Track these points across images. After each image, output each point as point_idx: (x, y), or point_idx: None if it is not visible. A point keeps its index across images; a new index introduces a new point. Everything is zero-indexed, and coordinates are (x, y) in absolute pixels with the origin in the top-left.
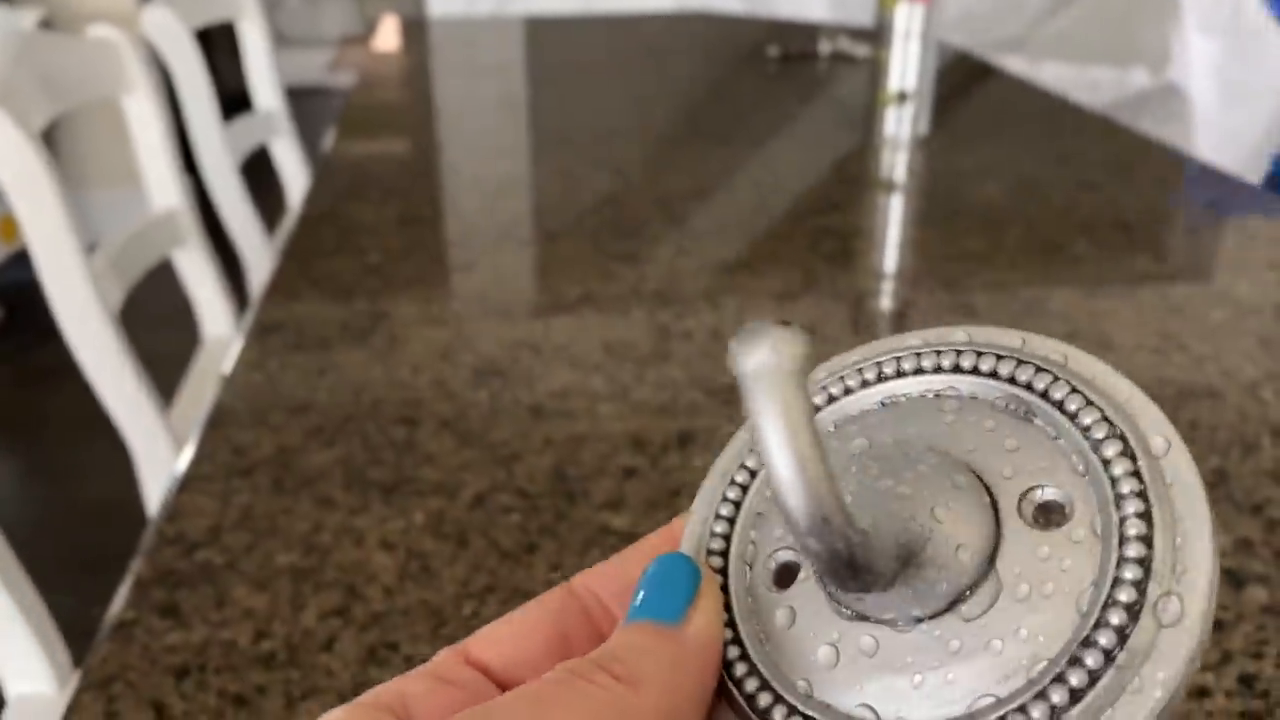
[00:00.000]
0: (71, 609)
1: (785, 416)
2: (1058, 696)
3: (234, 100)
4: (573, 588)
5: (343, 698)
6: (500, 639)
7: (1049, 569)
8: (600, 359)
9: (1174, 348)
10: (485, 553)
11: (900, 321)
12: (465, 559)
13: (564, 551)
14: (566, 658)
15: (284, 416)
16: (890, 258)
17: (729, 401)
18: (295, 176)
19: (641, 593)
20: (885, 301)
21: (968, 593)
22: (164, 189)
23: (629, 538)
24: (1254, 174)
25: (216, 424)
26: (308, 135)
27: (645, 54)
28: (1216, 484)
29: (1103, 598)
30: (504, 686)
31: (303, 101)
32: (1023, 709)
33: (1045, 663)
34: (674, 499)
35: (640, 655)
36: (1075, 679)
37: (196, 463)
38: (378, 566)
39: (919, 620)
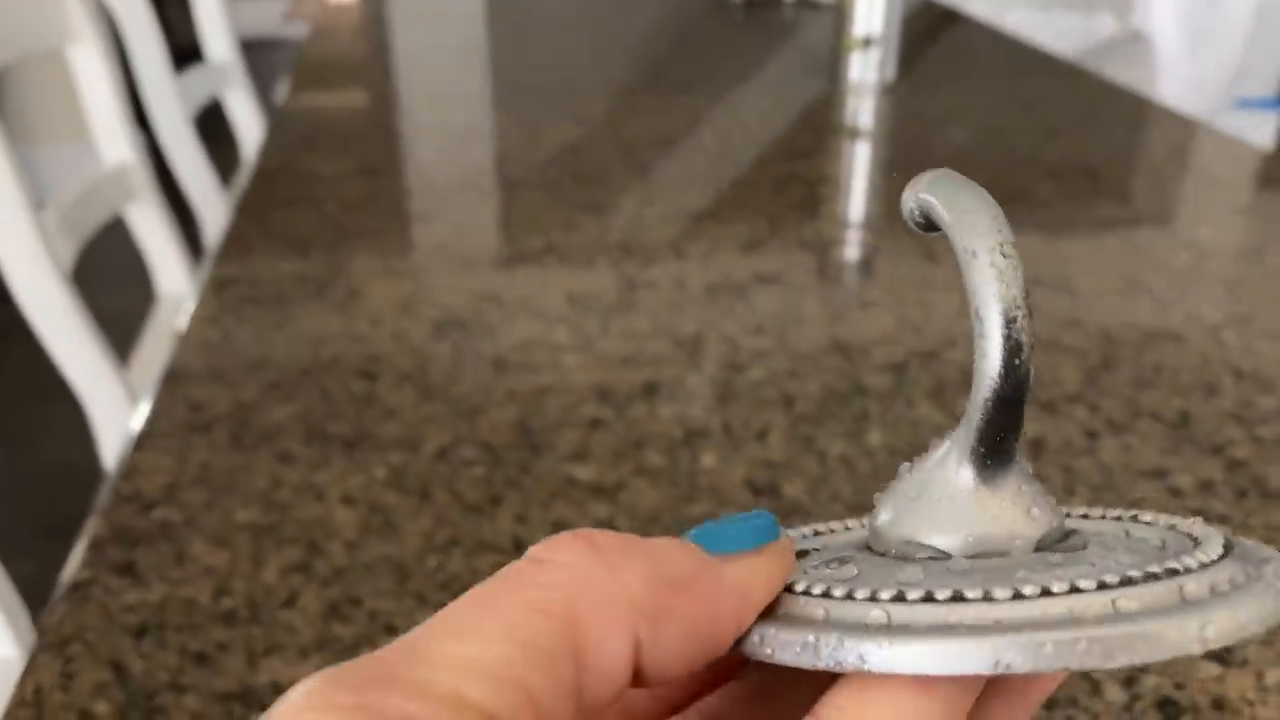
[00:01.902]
0: (32, 574)
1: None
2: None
3: (186, 53)
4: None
5: (304, 654)
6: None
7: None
8: (564, 310)
9: (1138, 291)
10: (448, 506)
11: (867, 268)
12: (428, 513)
13: (528, 503)
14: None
15: (241, 372)
16: (856, 205)
17: (695, 351)
18: (250, 129)
19: (709, 523)
20: (852, 249)
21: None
22: (115, 143)
23: (594, 489)
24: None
25: (172, 381)
26: (263, 88)
27: (608, 0)
28: (1179, 426)
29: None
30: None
31: (257, 54)
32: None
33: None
34: (639, 450)
35: (656, 553)
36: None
37: (152, 420)
38: (339, 522)
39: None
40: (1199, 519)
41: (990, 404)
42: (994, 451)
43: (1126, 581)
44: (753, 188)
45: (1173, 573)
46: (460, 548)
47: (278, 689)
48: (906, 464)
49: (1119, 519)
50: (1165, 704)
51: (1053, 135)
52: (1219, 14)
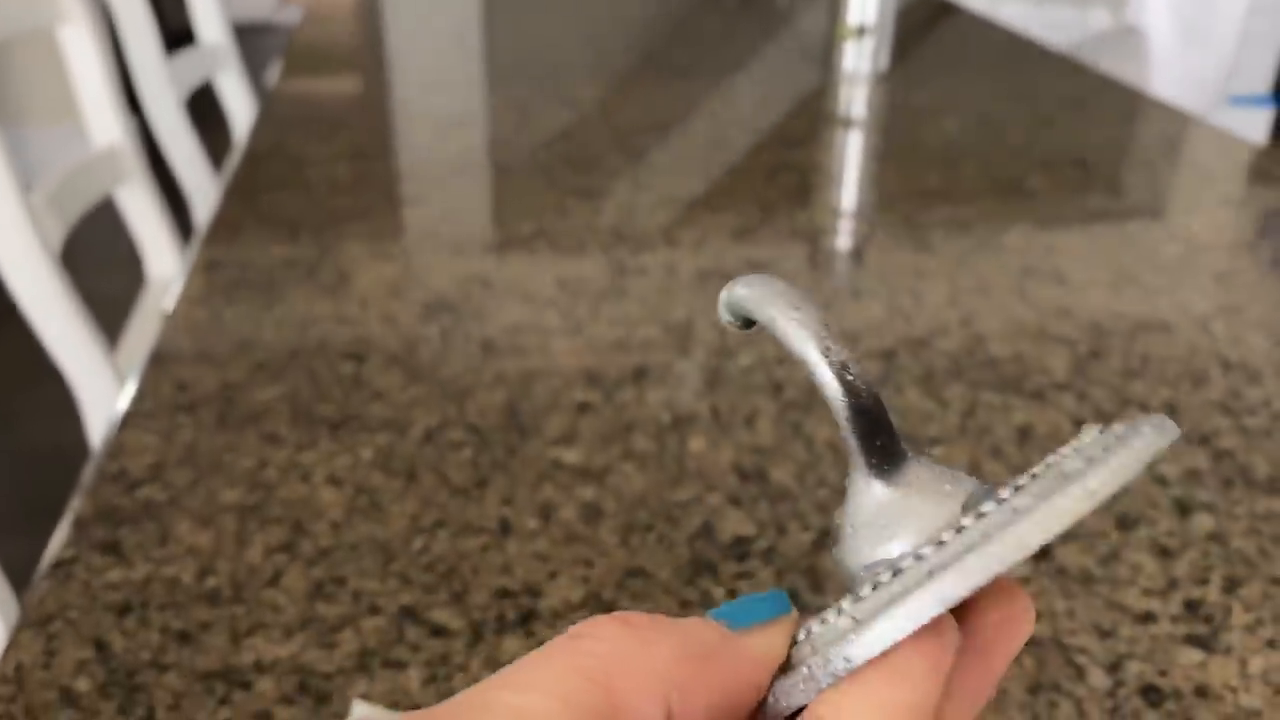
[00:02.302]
0: (18, 554)
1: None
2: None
3: (178, 37)
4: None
5: (288, 634)
6: None
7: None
8: (554, 294)
9: (1127, 282)
10: (435, 488)
11: (858, 258)
12: (415, 494)
13: (515, 486)
14: None
15: (228, 352)
16: (848, 194)
17: (684, 337)
18: (241, 112)
19: (726, 605)
20: (843, 238)
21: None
22: (105, 124)
23: (581, 473)
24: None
25: (159, 361)
26: (255, 72)
27: None
28: (1167, 415)
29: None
30: None
31: (250, 38)
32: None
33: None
34: (627, 434)
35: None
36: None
37: (138, 399)
38: (325, 502)
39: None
40: (1092, 425)
41: (851, 420)
42: (883, 457)
43: (1018, 490)
44: (745, 175)
45: (1052, 466)
46: (446, 529)
47: (261, 668)
48: (838, 511)
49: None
50: (1148, 690)
51: (1045, 126)
52: (1212, 10)
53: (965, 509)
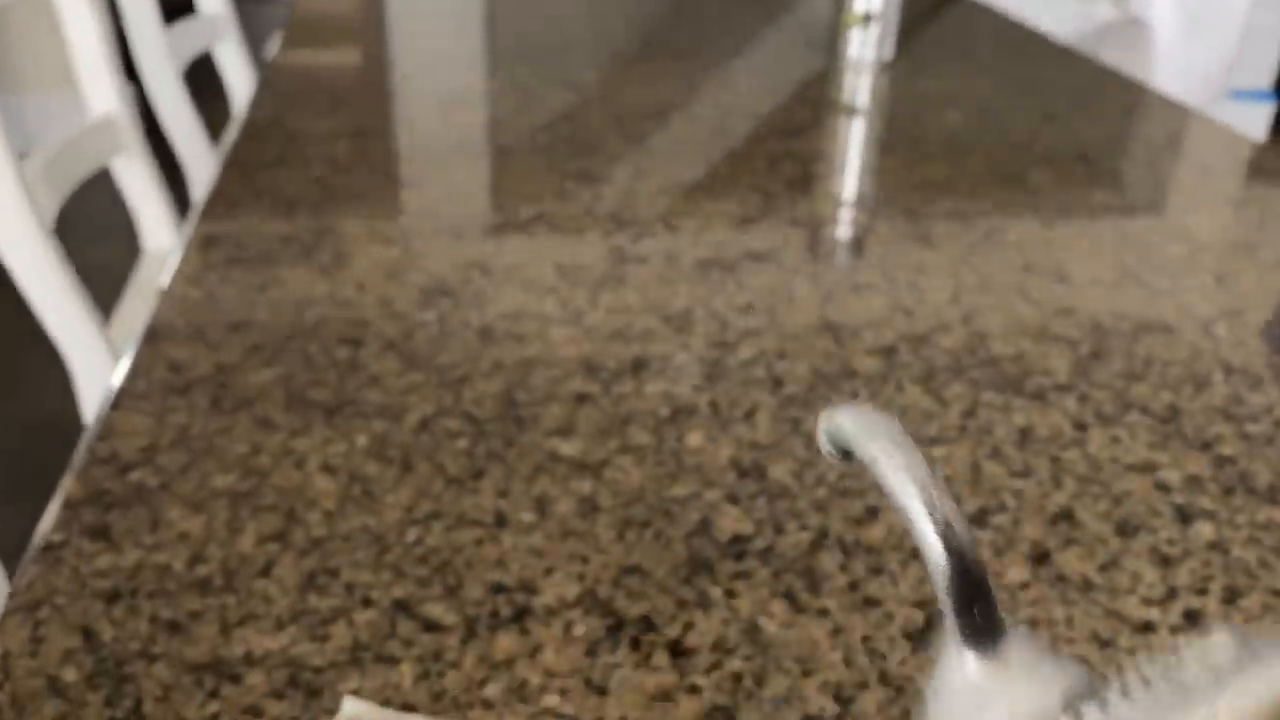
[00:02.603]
0: (8, 525)
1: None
2: None
3: (178, 7)
4: None
5: (280, 625)
6: None
7: None
8: (553, 281)
9: (1130, 281)
10: (430, 478)
11: (859, 249)
12: (410, 484)
13: (512, 478)
14: None
15: (223, 333)
16: (850, 184)
17: (683, 329)
18: (241, 83)
19: None
20: (844, 229)
21: None
22: (102, 93)
23: (578, 465)
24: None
25: (153, 339)
26: (255, 45)
27: None
28: (1168, 420)
29: None
30: None
31: (250, 9)
32: None
33: None
34: (625, 427)
35: None
36: None
37: (131, 380)
38: (318, 490)
39: None
40: (1224, 627)
41: (950, 584)
42: (980, 628)
43: (1127, 695)
44: (747, 162)
45: (1170, 670)
46: (441, 521)
47: (251, 660)
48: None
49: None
50: None
51: (1048, 120)
52: (1216, 3)
53: (1066, 705)
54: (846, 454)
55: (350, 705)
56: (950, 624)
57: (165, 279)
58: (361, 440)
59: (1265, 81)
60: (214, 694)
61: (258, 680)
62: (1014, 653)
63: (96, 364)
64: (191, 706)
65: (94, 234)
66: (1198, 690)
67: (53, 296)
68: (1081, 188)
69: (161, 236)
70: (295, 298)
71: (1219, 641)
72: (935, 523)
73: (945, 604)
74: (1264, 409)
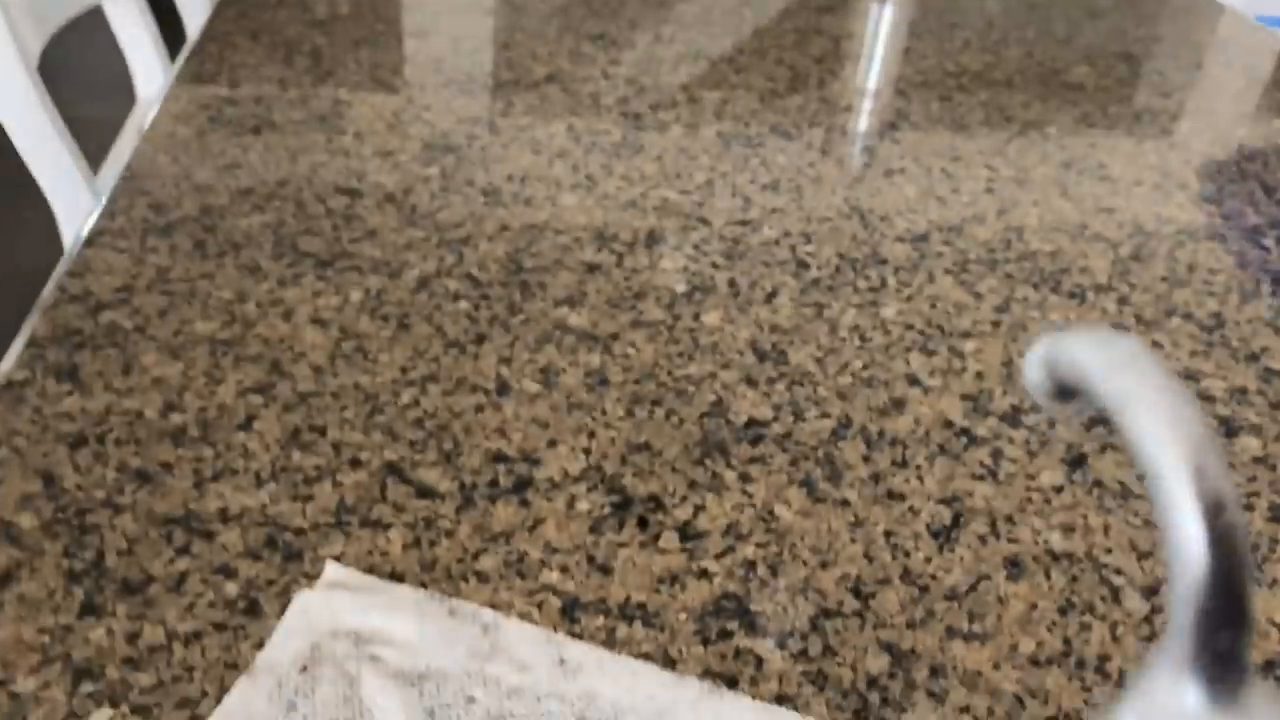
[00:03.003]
0: None
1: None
2: None
3: None
4: None
5: (259, 481)
6: None
7: None
8: (565, 145)
9: (1175, 186)
10: (429, 339)
11: (891, 133)
12: (406, 344)
13: (516, 345)
14: None
15: (211, 174)
16: (883, 66)
17: (704, 202)
18: None
19: None
20: (877, 111)
21: None
22: None
23: (586, 338)
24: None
25: (135, 177)
26: None
27: None
28: (1212, 328)
29: None
30: None
31: None
32: None
33: None
34: (638, 301)
35: None
36: None
37: (109, 216)
38: (307, 344)
39: None
40: None
41: (1199, 589)
42: (1220, 660)
43: None
44: (776, 36)
45: None
46: (439, 385)
47: (225, 516)
48: (1099, 698)
49: None
50: None
51: (1092, 16)
52: None
53: None
54: (1067, 393)
55: (332, 571)
56: (1178, 642)
57: (150, 117)
58: (355, 295)
59: None
60: (184, 550)
61: (232, 538)
62: (1257, 706)
63: (82, 213)
64: (158, 562)
65: (89, 88)
66: None
67: (35, 139)
68: (1125, 87)
69: (154, 83)
70: (290, 142)
71: None
72: (1201, 496)
73: (1181, 614)
74: None
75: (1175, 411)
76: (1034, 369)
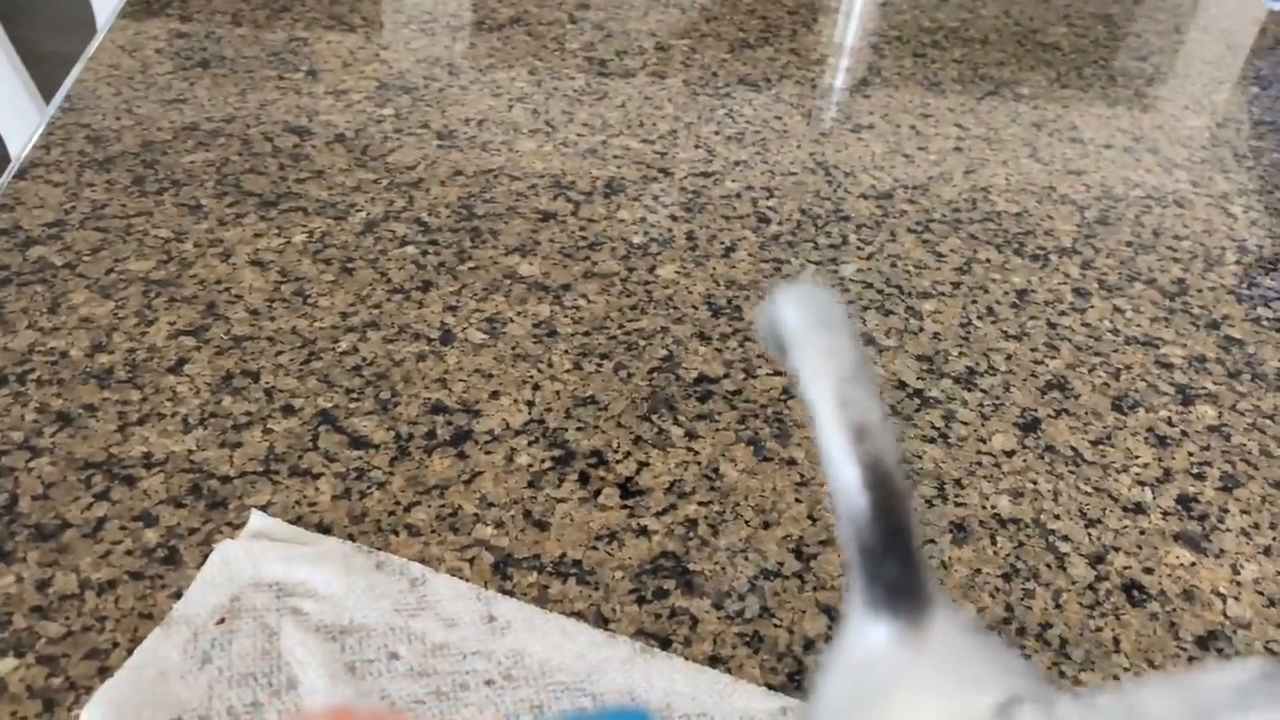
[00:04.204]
0: None
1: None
2: None
3: None
4: None
5: (187, 427)
6: None
7: None
8: (526, 89)
9: (1145, 149)
10: (372, 284)
11: (862, 88)
12: (348, 288)
13: (463, 294)
14: None
15: (154, 108)
16: (857, 19)
17: (665, 152)
18: None
19: None
20: (849, 64)
21: None
22: None
23: (538, 287)
24: None
25: (73, 108)
26: None
27: None
28: (1175, 295)
29: None
30: None
31: None
32: None
33: None
34: (593, 251)
35: None
36: None
37: (43, 148)
38: (245, 285)
39: None
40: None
41: (858, 520)
42: (896, 591)
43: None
44: None
45: (1126, 698)
46: (379, 331)
47: (149, 462)
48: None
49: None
50: (1132, 588)
51: None
52: None
53: (1002, 707)
54: (781, 345)
55: (257, 520)
56: (857, 578)
57: (92, 47)
58: (298, 237)
59: None
60: (103, 496)
61: (154, 484)
62: (938, 629)
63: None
64: (75, 508)
65: (51, 24)
66: (1168, 714)
67: None
68: (1101, 49)
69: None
70: (240, 79)
71: (1238, 669)
72: (847, 429)
73: (850, 550)
74: (1277, 293)
75: (828, 348)
76: (762, 327)
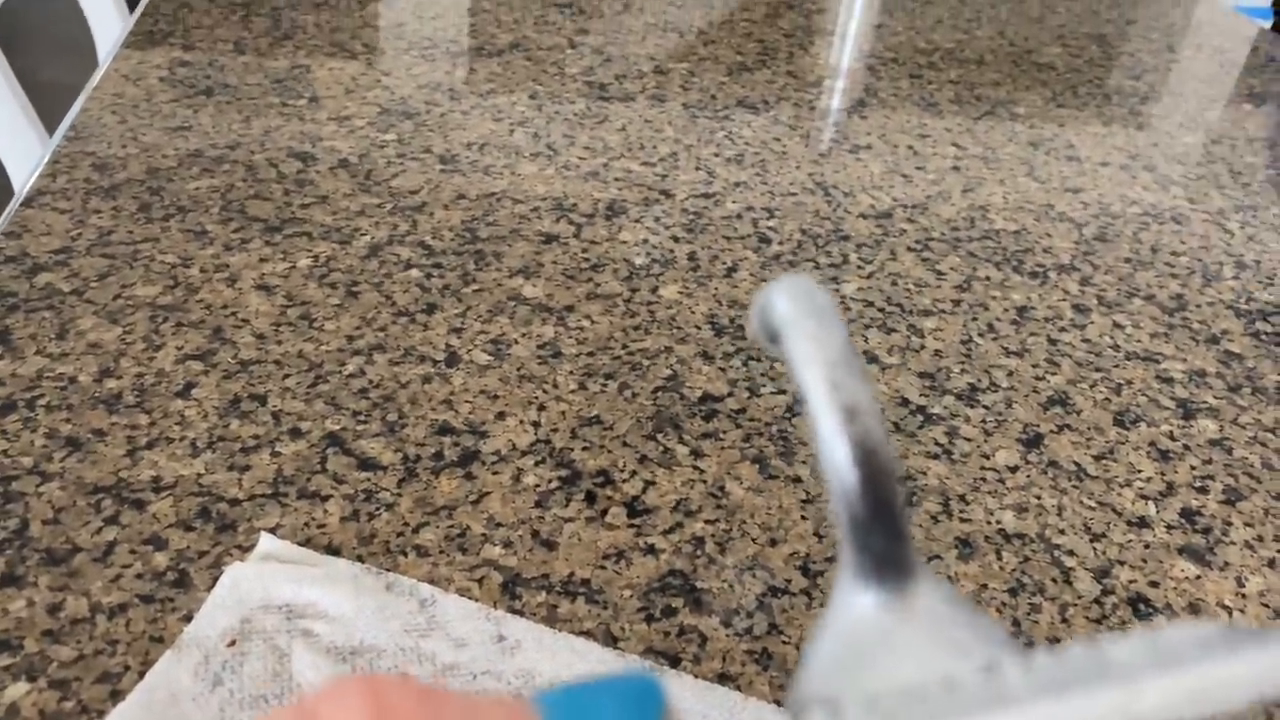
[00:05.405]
0: None
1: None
2: None
3: None
4: None
5: (195, 451)
6: None
7: None
8: (527, 113)
9: (1141, 167)
10: (377, 308)
11: (859, 109)
12: (354, 312)
13: (468, 316)
14: None
15: (159, 136)
16: (855, 42)
17: (667, 174)
18: None
19: (569, 688)
20: (846, 86)
21: None
22: None
23: (541, 309)
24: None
25: (79, 137)
26: None
27: None
28: (1174, 310)
29: None
30: None
31: None
32: None
33: None
34: (596, 272)
35: None
36: None
37: (50, 176)
38: (251, 310)
39: None
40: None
41: (849, 496)
42: (883, 561)
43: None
44: (745, 9)
45: (1098, 654)
46: (385, 354)
47: (159, 486)
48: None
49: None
50: (1138, 601)
51: None
52: None
53: (983, 669)
54: (774, 336)
55: (267, 543)
56: (846, 549)
57: (98, 76)
58: (304, 261)
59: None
60: (112, 520)
61: (164, 508)
62: (923, 597)
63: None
64: (85, 532)
65: (51, 51)
66: (1136, 667)
67: None
68: (1096, 68)
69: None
70: (243, 105)
71: (1200, 625)
72: (838, 411)
73: (841, 523)
74: (1275, 307)
75: (819, 334)
76: (753, 318)
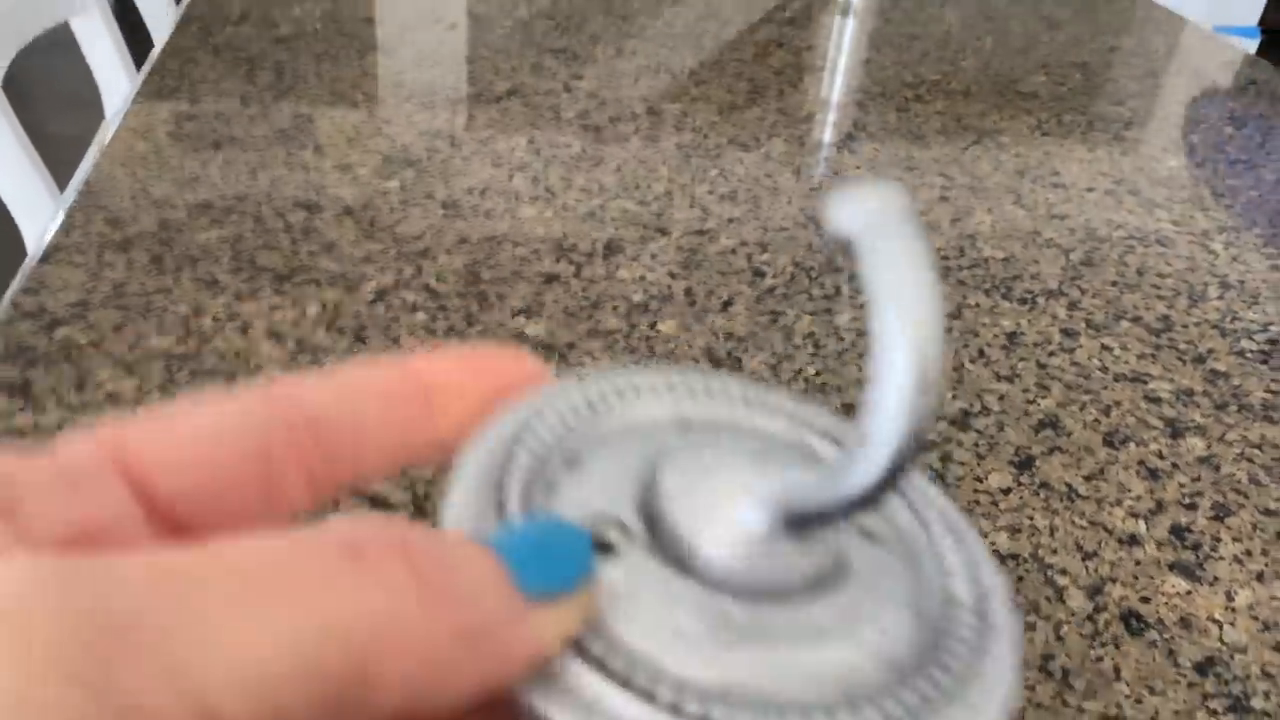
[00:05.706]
0: None
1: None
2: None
3: None
4: (275, 396)
5: None
6: (180, 456)
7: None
8: (525, 157)
9: (1126, 191)
10: (385, 351)
11: (848, 143)
12: (362, 355)
13: None
14: (272, 507)
15: (170, 189)
16: (842, 79)
17: (662, 212)
18: None
19: (525, 532)
20: (834, 123)
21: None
22: None
23: (545, 347)
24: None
25: (92, 192)
26: None
27: None
28: (1160, 331)
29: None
30: (167, 522)
31: None
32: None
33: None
34: (595, 310)
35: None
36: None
37: (65, 232)
38: (263, 357)
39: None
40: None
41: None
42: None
43: None
44: (735, 49)
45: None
46: None
47: None
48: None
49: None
50: (1130, 617)
51: (1049, 27)
52: None
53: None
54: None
55: None
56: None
57: (109, 132)
58: (312, 308)
59: (1251, 18)
60: None
61: None
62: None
63: (45, 227)
64: None
65: (58, 105)
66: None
67: (0, 156)
68: (1080, 96)
69: (123, 101)
70: (249, 157)
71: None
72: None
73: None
74: (1260, 325)
75: (908, 248)
76: (827, 220)
